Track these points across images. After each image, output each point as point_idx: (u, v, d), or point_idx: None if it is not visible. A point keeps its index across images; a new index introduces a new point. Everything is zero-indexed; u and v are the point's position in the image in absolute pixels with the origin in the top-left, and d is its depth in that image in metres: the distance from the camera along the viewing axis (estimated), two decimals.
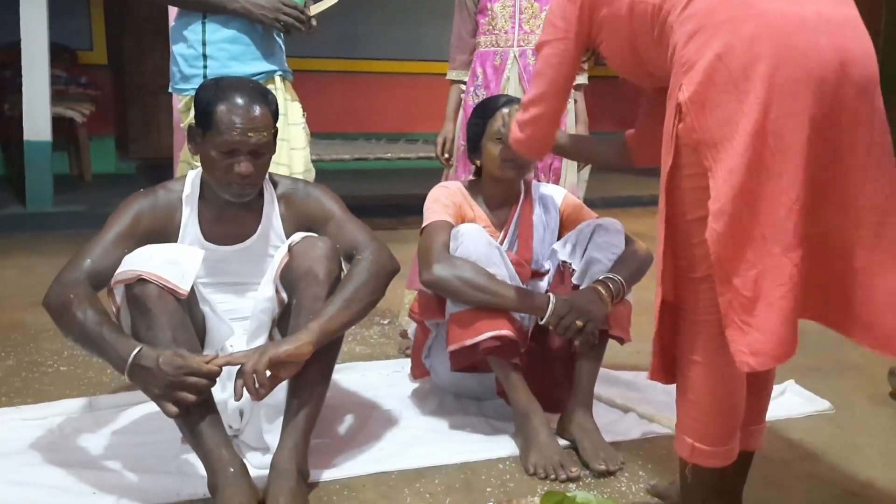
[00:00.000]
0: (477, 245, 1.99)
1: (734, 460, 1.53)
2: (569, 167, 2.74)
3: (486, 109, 2.19)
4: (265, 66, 2.40)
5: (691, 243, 1.42)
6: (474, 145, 2.20)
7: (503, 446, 2.02)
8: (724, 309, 1.36)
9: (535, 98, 1.79)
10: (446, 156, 2.82)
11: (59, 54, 5.91)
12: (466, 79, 2.79)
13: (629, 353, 2.45)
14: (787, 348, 1.35)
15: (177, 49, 2.39)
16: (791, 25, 1.33)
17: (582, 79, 2.76)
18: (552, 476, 1.86)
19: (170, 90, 2.50)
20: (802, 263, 1.34)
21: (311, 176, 2.52)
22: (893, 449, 2.10)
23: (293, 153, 2.45)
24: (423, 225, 2.11)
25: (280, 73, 2.44)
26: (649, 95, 1.78)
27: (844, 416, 2.28)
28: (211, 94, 1.82)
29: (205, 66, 2.34)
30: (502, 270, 2.01)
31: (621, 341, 2.07)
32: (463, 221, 2.14)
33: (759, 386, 1.60)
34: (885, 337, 1.39)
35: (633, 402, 2.31)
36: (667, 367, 1.52)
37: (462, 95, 2.80)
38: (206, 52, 2.34)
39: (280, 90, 2.41)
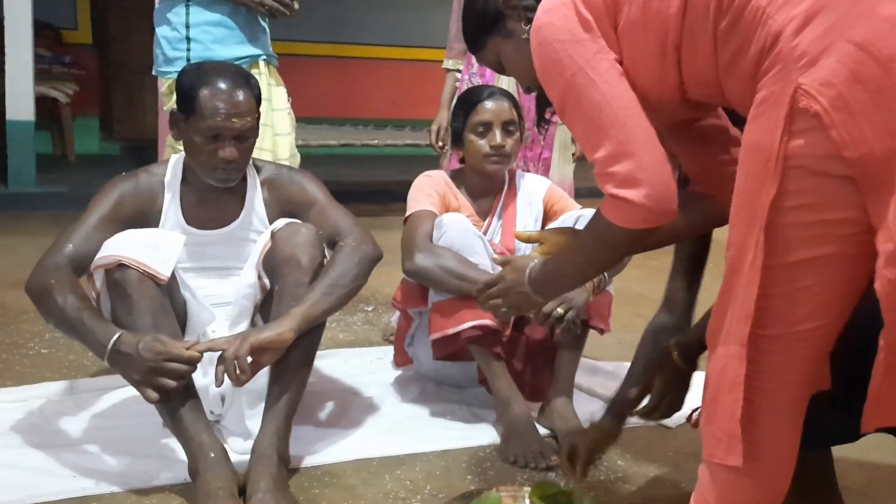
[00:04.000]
0: (459, 234, 1.99)
1: None
2: (560, 159, 2.73)
3: (469, 101, 2.17)
4: (249, 51, 2.38)
5: (771, 293, 1.13)
6: (457, 136, 2.20)
7: (484, 434, 2.03)
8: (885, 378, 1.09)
9: (621, 144, 1.23)
10: (440, 144, 2.81)
11: (43, 33, 5.83)
12: (462, 67, 2.78)
13: (610, 344, 2.46)
14: None
15: (160, 31, 2.37)
16: None
17: None
18: (532, 464, 1.87)
19: (153, 73, 2.48)
20: None
21: (297, 161, 2.51)
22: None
23: (277, 139, 2.44)
24: (407, 214, 2.11)
25: (264, 57, 2.43)
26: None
27: None
28: (193, 78, 1.80)
29: (188, 49, 2.32)
30: (484, 260, 2.01)
31: (601, 331, 2.07)
32: (447, 210, 2.14)
33: None
34: None
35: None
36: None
37: (457, 84, 2.79)
38: (189, 34, 2.32)
39: (264, 75, 2.40)
